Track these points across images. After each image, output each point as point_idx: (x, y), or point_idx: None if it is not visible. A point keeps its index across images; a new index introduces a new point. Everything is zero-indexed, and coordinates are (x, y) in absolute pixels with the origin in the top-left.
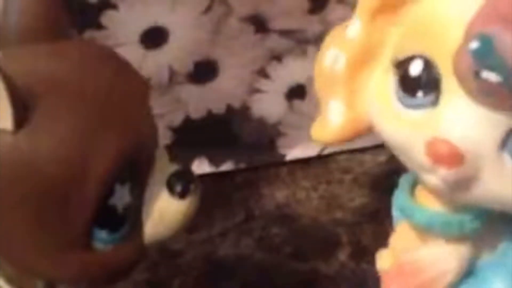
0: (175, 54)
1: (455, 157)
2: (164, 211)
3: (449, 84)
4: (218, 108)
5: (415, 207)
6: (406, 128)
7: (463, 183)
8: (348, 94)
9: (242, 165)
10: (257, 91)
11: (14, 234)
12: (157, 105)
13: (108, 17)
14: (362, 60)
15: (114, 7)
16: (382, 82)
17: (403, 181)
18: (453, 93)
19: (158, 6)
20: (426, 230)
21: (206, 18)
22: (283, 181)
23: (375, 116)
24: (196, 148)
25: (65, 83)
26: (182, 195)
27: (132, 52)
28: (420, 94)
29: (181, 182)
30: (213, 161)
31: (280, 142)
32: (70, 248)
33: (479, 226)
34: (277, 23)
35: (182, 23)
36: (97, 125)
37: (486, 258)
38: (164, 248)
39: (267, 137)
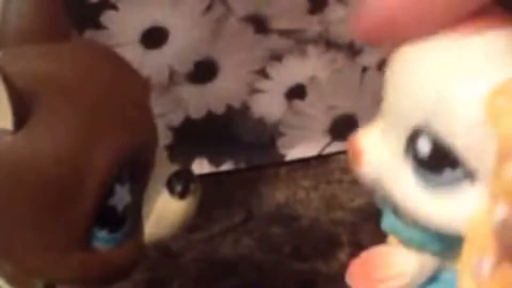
0: (175, 54)
1: (356, 155)
2: (164, 211)
3: None
4: (218, 108)
5: (387, 213)
6: None
7: (374, 185)
8: None
9: (242, 165)
10: (257, 91)
11: (14, 234)
12: (157, 105)
13: (108, 17)
14: None
15: (114, 7)
16: None
17: None
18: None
19: (158, 6)
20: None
21: (206, 18)
22: (283, 181)
23: None
24: (196, 148)
25: (65, 83)
26: (182, 195)
27: (132, 52)
28: None
29: (181, 182)
30: (213, 161)
31: (280, 142)
32: (70, 248)
33: (440, 248)
34: (277, 23)
35: (182, 23)
36: (97, 125)
37: (452, 267)
38: (164, 248)
39: (267, 137)
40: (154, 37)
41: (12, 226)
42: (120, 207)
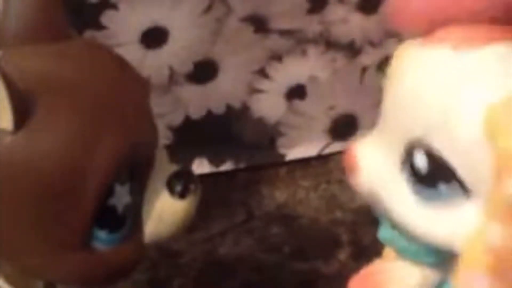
0: (175, 54)
1: (352, 166)
2: (164, 211)
3: None
4: (218, 108)
5: (384, 223)
6: None
7: (369, 196)
8: None
9: (242, 165)
10: (257, 91)
11: (14, 234)
12: (157, 105)
13: (108, 17)
14: None
15: (114, 7)
16: None
17: None
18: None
19: (158, 6)
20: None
21: (206, 18)
22: (283, 181)
23: None
24: (196, 148)
25: (65, 83)
26: (182, 195)
27: (132, 52)
28: None
29: (181, 182)
30: (213, 161)
31: (280, 142)
32: (70, 248)
33: (435, 260)
34: (277, 23)
35: (182, 23)
36: (97, 125)
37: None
38: (164, 248)
39: (267, 137)
40: (154, 37)
41: (12, 226)
42: (120, 207)
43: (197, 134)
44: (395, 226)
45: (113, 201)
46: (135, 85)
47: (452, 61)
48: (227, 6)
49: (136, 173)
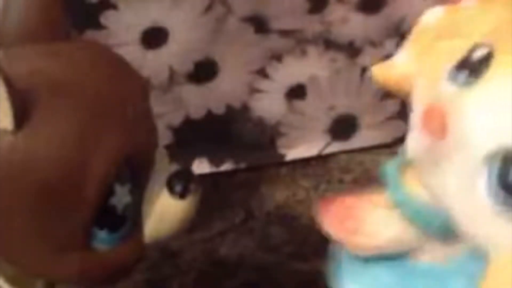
0: (175, 54)
1: (441, 130)
2: (164, 211)
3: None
4: (218, 108)
5: (398, 183)
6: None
7: (432, 160)
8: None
9: (242, 165)
10: (257, 91)
11: (14, 234)
12: (157, 105)
13: (108, 17)
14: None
15: (114, 7)
16: None
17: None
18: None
19: (158, 6)
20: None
21: (206, 18)
22: (283, 181)
23: None
24: (196, 148)
25: (65, 83)
26: (182, 195)
27: (132, 52)
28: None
29: (181, 182)
30: (213, 161)
31: (280, 142)
32: (70, 248)
33: (440, 231)
34: (277, 23)
35: (182, 23)
36: (96, 125)
37: (446, 264)
38: (164, 248)
39: (267, 137)
40: (154, 37)
41: (12, 226)
42: (120, 207)
43: (197, 134)
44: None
45: (113, 201)
46: (135, 85)
47: None
48: (227, 6)
49: (136, 173)
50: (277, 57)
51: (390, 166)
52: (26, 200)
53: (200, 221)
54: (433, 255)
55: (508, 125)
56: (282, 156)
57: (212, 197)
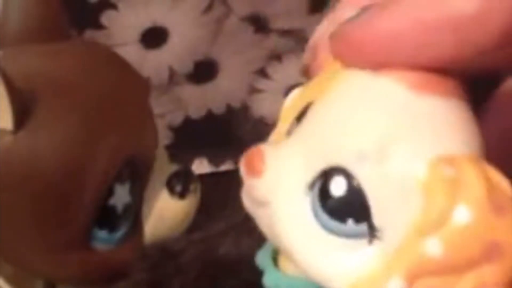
0: (175, 54)
1: (256, 166)
2: (164, 211)
3: None
4: (218, 108)
5: (271, 268)
6: None
7: (259, 205)
8: None
9: None
10: (257, 91)
11: (14, 234)
12: (157, 105)
13: (108, 17)
14: None
15: (114, 7)
16: None
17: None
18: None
19: (158, 6)
20: None
21: (206, 18)
22: None
23: None
24: (196, 148)
25: (65, 83)
26: (182, 195)
27: (132, 52)
28: None
29: (181, 182)
30: (213, 161)
31: None
32: (70, 248)
33: None
34: (277, 23)
35: (182, 23)
36: (97, 125)
37: None
38: (164, 248)
39: (267, 137)
40: (154, 37)
41: (12, 226)
42: (120, 207)
43: (197, 134)
44: (279, 247)
45: (113, 201)
46: (135, 85)
47: (406, 101)
48: (227, 6)
49: (136, 173)
50: (277, 57)
51: (262, 253)
52: (26, 200)
53: (200, 221)
54: None
55: None
56: None
57: (212, 197)
